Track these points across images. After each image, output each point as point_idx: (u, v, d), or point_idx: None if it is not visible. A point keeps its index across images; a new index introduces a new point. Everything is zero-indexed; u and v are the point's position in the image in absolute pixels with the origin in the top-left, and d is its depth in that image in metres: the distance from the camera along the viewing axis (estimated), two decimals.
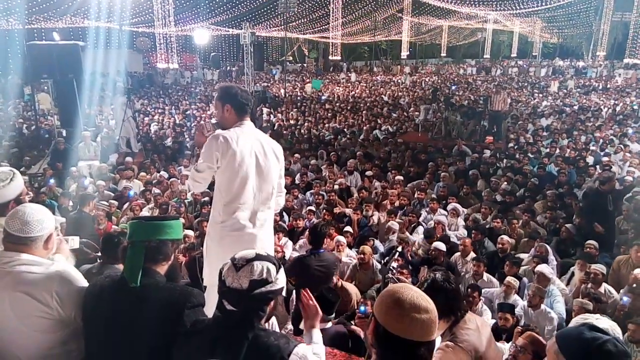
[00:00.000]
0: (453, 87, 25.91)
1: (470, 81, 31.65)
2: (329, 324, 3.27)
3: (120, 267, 3.03)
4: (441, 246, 5.87)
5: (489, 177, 9.41)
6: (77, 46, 10.96)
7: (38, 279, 1.93)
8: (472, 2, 35.84)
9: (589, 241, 6.01)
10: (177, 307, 1.80)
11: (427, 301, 1.49)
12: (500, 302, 4.77)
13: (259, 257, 1.66)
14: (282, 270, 1.69)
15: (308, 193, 8.84)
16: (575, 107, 18.68)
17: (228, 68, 38.16)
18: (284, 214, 7.67)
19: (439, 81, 31.84)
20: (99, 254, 4.55)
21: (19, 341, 1.92)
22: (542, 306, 4.78)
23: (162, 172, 9.82)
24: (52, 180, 8.70)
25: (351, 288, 3.55)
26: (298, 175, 9.91)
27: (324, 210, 7.53)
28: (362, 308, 2.97)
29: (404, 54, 46.47)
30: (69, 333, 1.98)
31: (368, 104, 20.28)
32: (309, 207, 7.92)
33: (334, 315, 3.29)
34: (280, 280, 1.67)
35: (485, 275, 5.57)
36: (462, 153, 11.35)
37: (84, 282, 2.03)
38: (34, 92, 15.91)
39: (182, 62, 32.15)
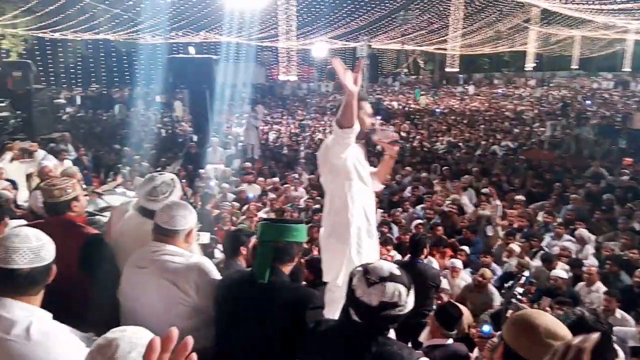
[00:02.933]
0: (587, 102, 23.66)
1: (606, 96, 28.68)
2: (450, 341, 3.17)
3: (241, 262, 3.25)
4: (562, 274, 5.37)
5: (625, 203, 8.42)
6: (211, 59, 12.02)
7: (180, 268, 2.12)
8: (610, 11, 32.47)
9: None
10: (300, 306, 1.88)
11: (563, 329, 1.43)
12: (636, 346, 4.22)
13: (392, 277, 1.62)
14: (412, 292, 1.65)
15: (419, 207, 8.67)
16: None
17: None
18: (393, 226, 7.61)
19: (570, 95, 29.33)
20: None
21: (159, 324, 2.08)
22: None
23: (274, 179, 10.30)
24: (183, 181, 9.59)
25: (464, 310, 3.40)
26: (409, 189, 9.77)
27: (436, 226, 7.32)
28: (487, 329, 2.81)
29: (529, 65, 43.61)
30: (201, 321, 2.15)
31: (487, 118, 19.37)
32: (419, 222, 7.75)
33: (455, 332, 3.18)
34: (409, 304, 1.63)
35: (619, 312, 4.97)
36: (596, 175, 10.30)
37: (218, 275, 2.20)
38: (171, 100, 17.76)
39: (300, 74, 33.60)
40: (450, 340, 3.23)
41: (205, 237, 3.31)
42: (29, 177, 6.52)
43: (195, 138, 12.56)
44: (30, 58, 18.02)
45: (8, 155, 6.46)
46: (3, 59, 20.88)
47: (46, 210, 2.64)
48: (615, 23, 36.12)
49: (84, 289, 2.35)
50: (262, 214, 8.14)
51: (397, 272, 1.65)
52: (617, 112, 19.75)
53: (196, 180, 9.91)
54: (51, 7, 20.07)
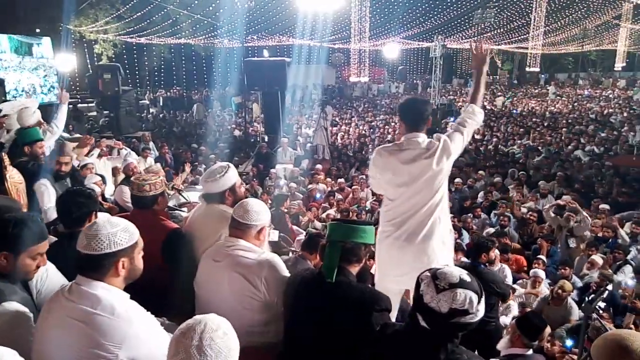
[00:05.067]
0: None
1: None
2: (530, 351, 3.04)
3: (310, 262, 3.30)
4: None
5: None
6: (284, 62, 12.28)
7: (251, 263, 2.21)
8: None
9: None
10: (366, 307, 1.88)
11: None
12: None
13: (462, 283, 1.57)
14: (483, 299, 1.59)
15: (492, 213, 8.33)
16: None
17: (414, 81, 38.40)
18: (464, 232, 7.37)
19: None
20: (292, 248, 5.05)
21: (231, 315, 2.17)
22: None
23: (340, 180, 10.33)
24: (254, 180, 9.90)
25: None
26: (481, 194, 9.41)
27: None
28: (569, 343, 2.66)
29: (619, 65, 40.42)
30: (270, 315, 2.22)
31: (569, 121, 18.23)
32: (491, 230, 7.43)
33: (536, 342, 3.04)
34: (480, 311, 1.57)
35: None
36: None
37: (287, 272, 2.26)
38: (245, 102, 18.38)
39: (370, 75, 33.50)
40: (530, 351, 3.08)
41: (274, 235, 3.40)
42: (114, 172, 7.05)
43: (266, 138, 12.91)
44: (118, 61, 19.42)
45: (96, 151, 7.02)
46: (95, 63, 22.69)
47: (133, 203, 2.82)
48: None
49: (165, 278, 2.50)
50: (330, 212, 8.23)
51: (468, 278, 1.60)
52: None
53: (266, 179, 10.19)
54: (138, 14, 21.50)
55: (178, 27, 24.27)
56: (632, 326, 4.38)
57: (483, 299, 1.59)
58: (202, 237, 2.59)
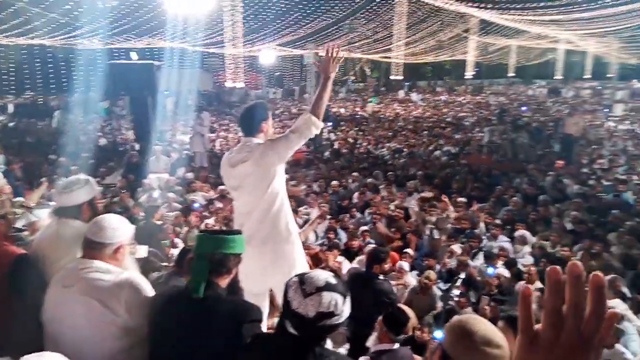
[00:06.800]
0: (523, 109, 24.88)
1: (540, 102, 30.40)
2: (396, 345, 3.20)
3: (183, 279, 3.15)
4: (504, 272, 5.61)
5: (558, 204, 8.93)
6: (152, 65, 11.61)
7: (109, 286, 2.01)
8: (542, 22, 34.48)
9: None
10: (237, 320, 1.83)
11: (499, 337, 1.47)
12: None
13: (328, 286, 1.61)
14: (348, 300, 1.64)
15: (366, 212, 8.79)
16: None
17: (291, 87, 39.17)
18: (340, 232, 7.66)
19: (506, 102, 30.84)
20: (165, 263, 4.79)
21: (90, 345, 1.99)
22: (617, 346, 4.40)
23: (221, 187, 10.08)
24: (124, 191, 9.21)
25: (409, 312, 3.47)
26: (356, 194, 9.89)
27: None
28: (439, 335, 2.87)
29: (469, 73, 45.51)
30: (135, 340, 2.05)
31: (430, 124, 20.01)
32: (365, 227, 7.85)
33: (402, 337, 3.22)
34: (345, 312, 1.62)
35: None
36: (531, 177, 10.88)
37: (151, 291, 2.11)
38: (112, 107, 17.08)
39: (248, 81, 33.34)
40: (397, 345, 3.26)
41: (143, 251, 3.19)
42: None
43: (137, 147, 12.12)
44: None
45: None
46: None
47: None
48: (548, 33, 38.41)
49: (10, 311, 2.20)
50: (210, 222, 7.96)
51: (333, 280, 1.64)
52: (550, 117, 20.96)
53: (138, 190, 9.55)
54: None
55: (30, 26, 21.74)
56: (486, 307, 4.91)
57: (348, 300, 1.65)
58: (54, 261, 2.31)
